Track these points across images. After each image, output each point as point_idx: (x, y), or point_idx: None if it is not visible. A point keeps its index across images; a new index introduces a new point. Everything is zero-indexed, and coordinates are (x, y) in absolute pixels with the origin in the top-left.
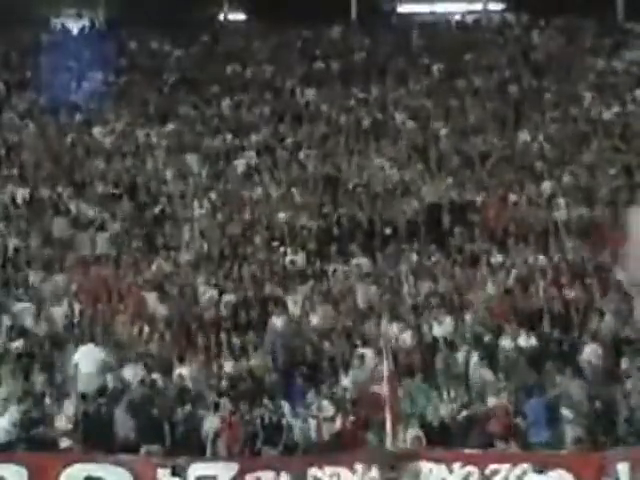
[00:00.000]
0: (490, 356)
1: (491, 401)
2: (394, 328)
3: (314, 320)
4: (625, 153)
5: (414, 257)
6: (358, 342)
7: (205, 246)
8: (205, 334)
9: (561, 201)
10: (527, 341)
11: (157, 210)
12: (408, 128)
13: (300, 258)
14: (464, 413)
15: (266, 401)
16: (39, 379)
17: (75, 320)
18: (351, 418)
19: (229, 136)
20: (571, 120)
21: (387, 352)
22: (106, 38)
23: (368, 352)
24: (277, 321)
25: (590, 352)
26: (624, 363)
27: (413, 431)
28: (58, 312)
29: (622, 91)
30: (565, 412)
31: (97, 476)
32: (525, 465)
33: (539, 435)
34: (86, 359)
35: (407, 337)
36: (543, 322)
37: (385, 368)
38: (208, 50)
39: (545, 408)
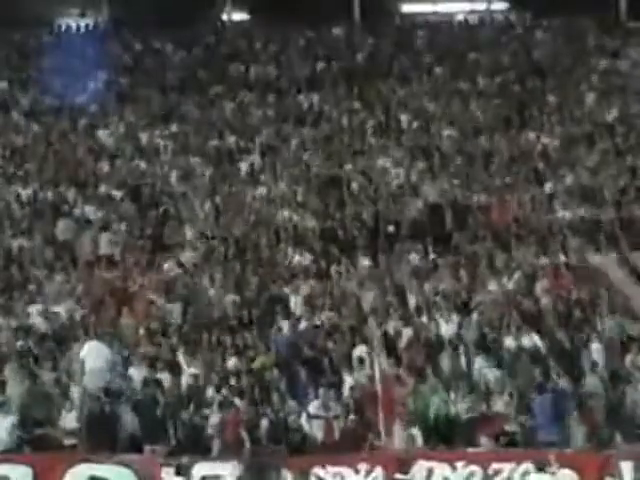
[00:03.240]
0: (494, 356)
1: (495, 401)
2: (398, 328)
3: (318, 320)
4: (629, 154)
5: (418, 257)
6: (361, 342)
7: (209, 246)
8: (210, 333)
9: (564, 202)
10: (531, 341)
11: (161, 211)
12: (411, 128)
13: (304, 258)
14: (468, 413)
15: (270, 400)
16: (44, 379)
17: (80, 320)
18: (354, 417)
19: (233, 137)
20: (575, 121)
21: (380, 351)
22: (110, 39)
23: (370, 352)
24: (281, 321)
25: (594, 351)
26: (628, 361)
27: (410, 430)
28: (62, 312)
29: (626, 91)
30: (570, 411)
31: (101, 476)
32: (528, 464)
33: (545, 434)
34: (92, 356)
35: (411, 337)
36: (547, 322)
37: (378, 368)
38: (211, 51)
39: (550, 407)
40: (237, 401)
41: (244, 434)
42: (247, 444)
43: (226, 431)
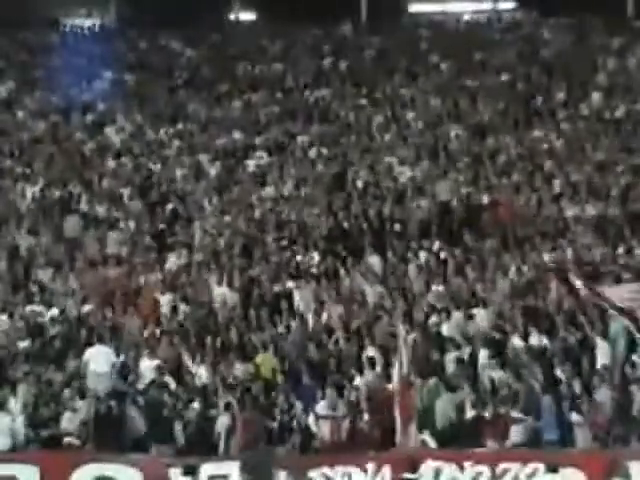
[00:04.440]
0: (500, 356)
1: (501, 401)
2: (404, 327)
3: (325, 319)
4: (635, 151)
5: (425, 256)
6: (369, 342)
7: (216, 245)
8: (216, 333)
9: (571, 199)
10: (538, 340)
11: (168, 209)
12: (418, 127)
13: (311, 257)
14: (473, 413)
15: (278, 400)
16: (51, 379)
17: (86, 320)
18: (363, 418)
19: (239, 135)
20: (581, 118)
21: (399, 352)
22: (116, 37)
23: (379, 352)
24: (288, 320)
25: (601, 351)
26: (635, 361)
27: (424, 431)
28: (69, 310)
29: (633, 89)
30: (576, 411)
31: (108, 476)
32: (536, 464)
33: (551, 435)
34: (98, 359)
35: (417, 337)
36: (554, 321)
37: (396, 368)
38: (218, 49)
39: (557, 408)
40: (243, 401)
41: (250, 434)
42: (253, 444)
43: (233, 431)
